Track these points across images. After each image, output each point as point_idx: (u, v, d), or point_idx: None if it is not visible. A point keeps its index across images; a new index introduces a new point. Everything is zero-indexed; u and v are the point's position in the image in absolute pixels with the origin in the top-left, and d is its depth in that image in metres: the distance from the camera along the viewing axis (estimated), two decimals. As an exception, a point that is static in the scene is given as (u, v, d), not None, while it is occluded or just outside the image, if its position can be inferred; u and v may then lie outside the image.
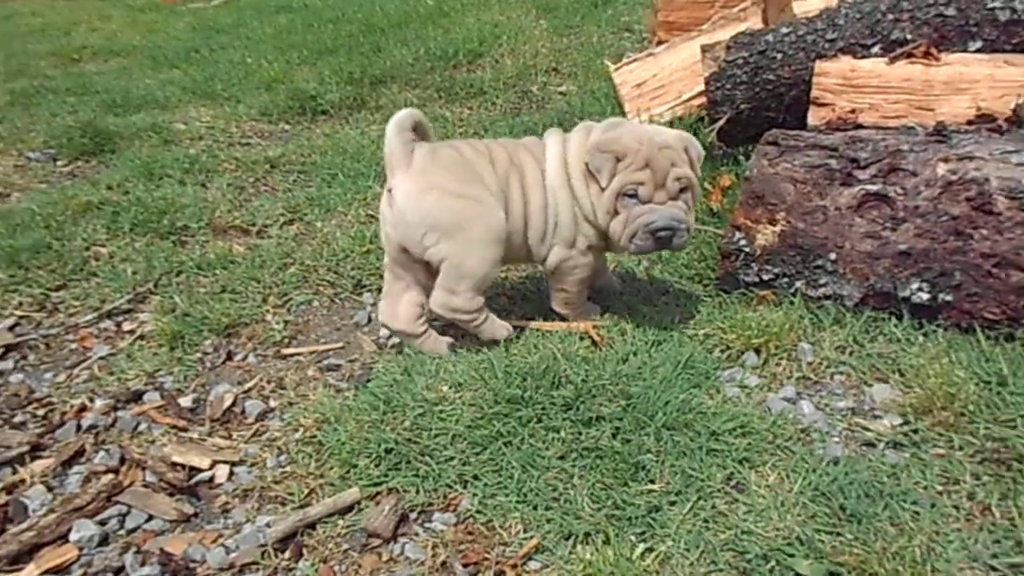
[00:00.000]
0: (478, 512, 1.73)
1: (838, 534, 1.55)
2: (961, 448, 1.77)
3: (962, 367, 1.96)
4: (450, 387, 2.04)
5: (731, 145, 3.16)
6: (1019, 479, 1.65)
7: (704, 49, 3.09)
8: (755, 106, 2.99)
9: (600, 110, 3.75)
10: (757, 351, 2.15)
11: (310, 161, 3.87)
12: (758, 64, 2.94)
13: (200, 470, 1.91)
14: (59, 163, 4.14)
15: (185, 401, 2.16)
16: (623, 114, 3.64)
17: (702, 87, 3.31)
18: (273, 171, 3.81)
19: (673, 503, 1.68)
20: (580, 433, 1.85)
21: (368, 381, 2.17)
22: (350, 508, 1.76)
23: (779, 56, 2.90)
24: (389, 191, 2.09)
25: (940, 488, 1.67)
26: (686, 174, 2.06)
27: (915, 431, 1.84)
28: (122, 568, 1.64)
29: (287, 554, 1.67)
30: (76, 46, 7.03)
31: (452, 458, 1.85)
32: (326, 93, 4.80)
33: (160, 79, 5.81)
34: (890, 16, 2.78)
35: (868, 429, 1.87)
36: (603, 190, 2.08)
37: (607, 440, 1.82)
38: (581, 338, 2.23)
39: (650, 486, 1.72)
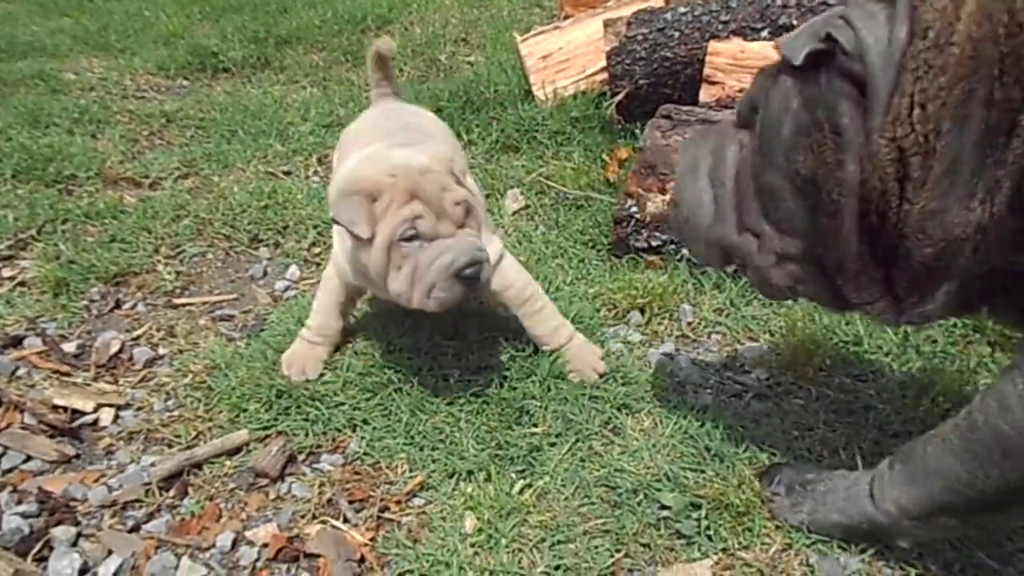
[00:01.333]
0: (366, 454, 1.78)
1: (702, 471, 1.67)
2: (817, 399, 1.92)
3: (824, 328, 2.12)
4: (344, 336, 2.06)
5: (629, 120, 3.27)
6: (864, 425, 1.81)
7: (606, 24, 3.19)
8: (653, 82, 3.11)
9: (506, 81, 3.80)
10: (642, 311, 2.26)
11: (209, 117, 3.77)
12: (656, 41, 3.05)
13: (83, 413, 1.88)
14: (-70, 109, 3.90)
15: (69, 347, 2.12)
16: (528, 86, 3.71)
17: (605, 63, 3.41)
18: (169, 125, 3.70)
19: (553, 444, 1.77)
20: (469, 381, 1.91)
21: (261, 331, 2.17)
22: (238, 449, 1.78)
23: (676, 35, 3.02)
24: None
25: (796, 433, 1.81)
26: (464, 195, 1.70)
27: (778, 384, 1.98)
28: (-5, 504, 1.61)
29: (172, 492, 1.67)
30: (-44, -12, 6.59)
31: (342, 403, 1.89)
32: (228, 51, 4.68)
33: (49, 27, 5.54)
34: (779, 3, 2.94)
35: (737, 382, 2.01)
36: (369, 244, 1.66)
37: (494, 388, 1.89)
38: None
39: (532, 429, 1.80)
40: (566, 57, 3.70)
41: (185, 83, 4.45)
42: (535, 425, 1.81)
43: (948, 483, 1.30)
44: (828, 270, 1.30)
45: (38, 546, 1.52)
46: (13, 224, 2.64)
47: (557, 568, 1.47)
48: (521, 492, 1.63)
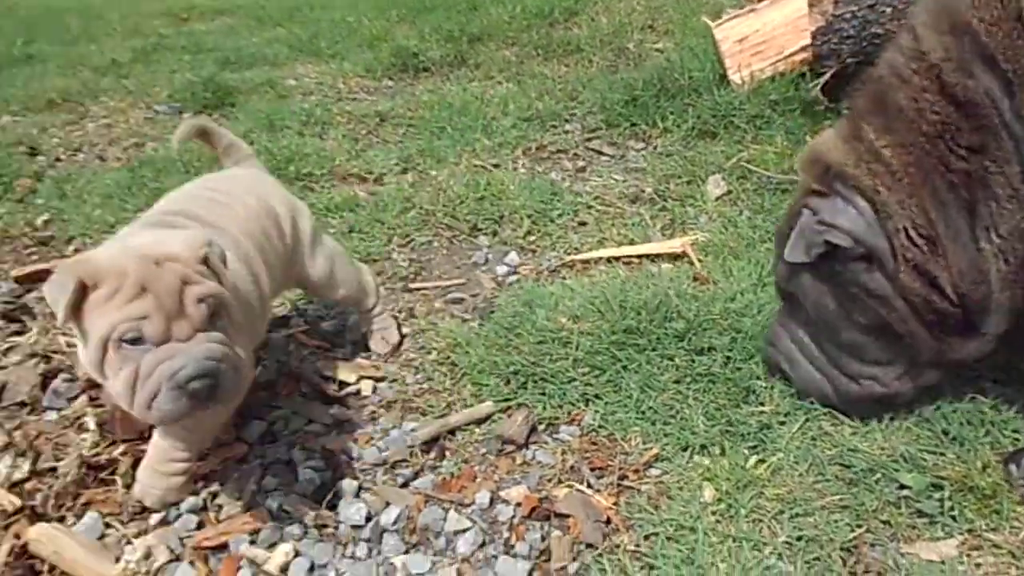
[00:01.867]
0: (600, 427, 1.91)
1: (942, 454, 1.68)
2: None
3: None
4: (568, 319, 2.21)
5: (834, 100, 3.22)
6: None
7: (812, 3, 3.15)
8: (861, 60, 3.04)
9: (700, 67, 3.82)
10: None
11: (417, 115, 4.06)
12: (866, 18, 2.99)
13: (348, 384, 2.14)
14: (185, 116, 4.43)
15: (327, 326, 2.40)
16: (724, 71, 3.72)
17: (805, 42, 3.36)
18: (383, 124, 4.02)
19: (782, 423, 1.83)
20: (693, 360, 2.00)
21: (491, 313, 2.37)
22: (485, 419, 1.97)
23: (888, 10, 2.94)
24: None
25: (1043, 419, 1.77)
26: (211, 291, 1.44)
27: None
28: (290, 460, 1.88)
29: (432, 455, 1.89)
30: (184, 5, 7.40)
31: (574, 380, 2.03)
32: (427, 51, 4.98)
33: (266, 37, 6.10)
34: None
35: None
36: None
37: (719, 368, 1.97)
38: (694, 278, 2.38)
39: (761, 408, 1.87)
40: (763, 39, 3.67)
41: (390, 83, 4.79)
42: (762, 404, 1.88)
43: None
44: (925, 363, 1.72)
45: (328, 496, 1.76)
46: (268, 218, 3.00)
47: (799, 539, 1.54)
48: (755, 466, 1.71)
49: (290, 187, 3.20)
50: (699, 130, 3.48)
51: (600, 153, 3.55)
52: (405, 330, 2.37)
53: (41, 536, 1.65)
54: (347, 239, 2.81)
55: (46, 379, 2.18)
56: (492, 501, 1.75)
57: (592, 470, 1.80)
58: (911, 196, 1.54)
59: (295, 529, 1.69)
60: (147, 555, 1.61)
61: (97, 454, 1.90)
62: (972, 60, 1.41)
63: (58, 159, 3.89)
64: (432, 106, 4.12)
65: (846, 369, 1.79)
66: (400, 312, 2.46)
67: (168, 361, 1.37)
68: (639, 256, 2.61)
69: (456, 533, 1.67)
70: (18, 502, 1.75)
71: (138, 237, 1.58)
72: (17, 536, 1.68)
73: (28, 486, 1.82)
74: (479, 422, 1.96)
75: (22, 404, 2.10)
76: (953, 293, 1.57)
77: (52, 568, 1.62)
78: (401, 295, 2.56)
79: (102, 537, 1.70)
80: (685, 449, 1.80)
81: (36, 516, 1.73)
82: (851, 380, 1.79)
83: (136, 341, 1.38)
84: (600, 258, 2.64)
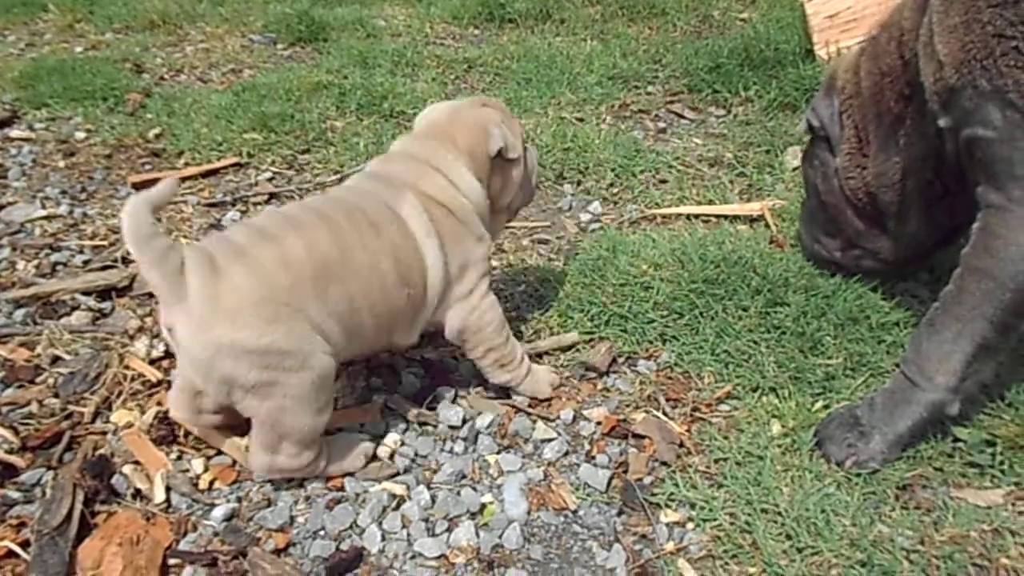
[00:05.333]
0: (676, 364, 2.08)
1: (997, 416, 1.81)
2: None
3: None
4: (649, 266, 2.37)
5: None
6: None
7: (907, -14, 3.20)
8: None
9: (786, 39, 3.89)
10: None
11: (503, 65, 4.19)
12: None
13: (443, 305, 2.32)
14: (279, 46, 4.63)
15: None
16: (810, 46, 3.78)
17: (896, 24, 3.41)
18: (471, 71, 4.16)
19: (848, 375, 1.98)
20: (767, 313, 2.15)
21: (575, 254, 2.53)
22: (570, 347, 2.14)
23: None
24: (169, 329, 1.53)
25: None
26: None
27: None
28: (392, 366, 2.09)
29: (521, 374, 2.07)
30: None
31: (653, 320, 2.19)
32: (514, 2, 5.07)
33: (354, -23, 6.22)
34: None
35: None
36: (522, 164, 1.97)
37: (791, 322, 2.12)
38: (770, 240, 2.51)
39: (827, 361, 2.01)
40: (854, 17, 3.73)
41: (476, 32, 4.91)
42: (830, 357, 2.03)
43: None
44: (857, 243, 2.25)
45: (428, 399, 1.96)
46: (364, 149, 3.18)
47: (857, 475, 1.69)
48: (820, 410, 1.87)
49: (384, 123, 3.39)
50: (781, 102, 3.57)
51: (681, 116, 3.66)
52: (494, 264, 2.54)
53: (181, 405, 1.88)
54: (440, 175, 2.97)
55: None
56: (575, 418, 1.93)
57: (667, 400, 1.97)
58: (863, 107, 2.07)
59: (400, 423, 1.90)
60: (272, 431, 1.82)
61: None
62: (919, 34, 1.78)
63: (162, 78, 4.11)
64: (518, 57, 4.24)
65: (812, 232, 2.36)
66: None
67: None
68: (718, 216, 2.75)
69: (543, 441, 1.86)
70: (159, 375, 1.98)
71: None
72: (159, 403, 1.92)
73: (164, 363, 2.05)
74: (564, 349, 2.14)
75: (150, 295, 2.32)
76: (870, 188, 2.10)
77: (187, 433, 1.85)
78: (490, 231, 2.73)
79: (227, 413, 1.92)
80: (755, 390, 1.96)
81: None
82: (814, 242, 2.35)
83: None
84: (680, 214, 2.78)
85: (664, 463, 1.79)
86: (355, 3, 5.41)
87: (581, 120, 3.51)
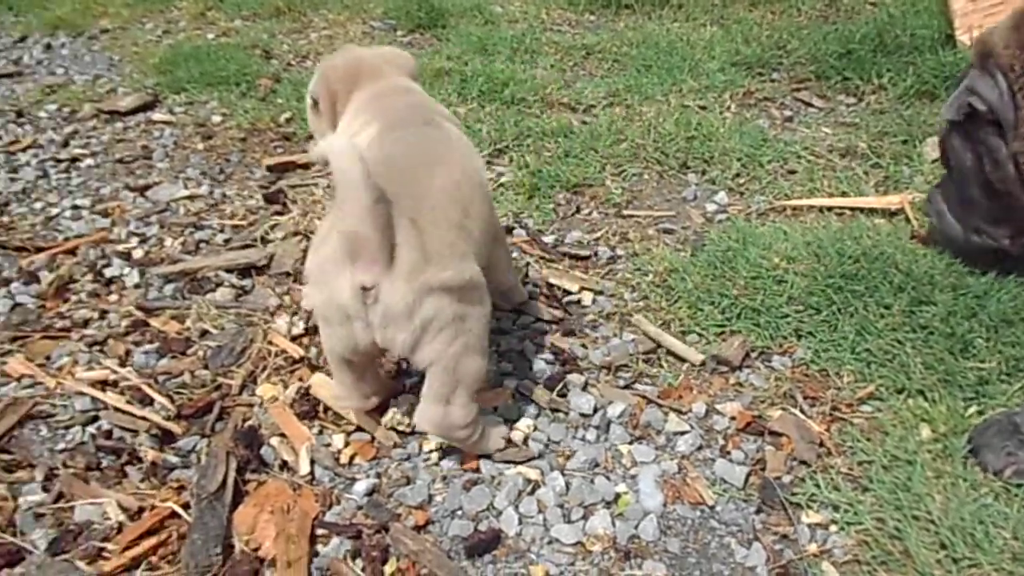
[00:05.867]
0: (812, 361, 2.02)
1: None
2: None
3: None
4: (782, 259, 2.30)
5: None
6: None
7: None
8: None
9: (925, 24, 3.70)
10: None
11: (622, 52, 4.14)
12: None
13: (570, 292, 2.33)
14: (399, 33, 4.71)
15: (547, 239, 2.59)
16: (951, 31, 3.58)
17: (1051, 7, 3.19)
18: (589, 57, 4.13)
19: (1003, 380, 1.87)
20: (912, 312, 2.06)
21: (703, 245, 2.48)
22: (698, 339, 2.11)
23: None
24: (364, 289, 1.51)
25: None
26: None
27: None
28: (523, 351, 2.10)
29: (650, 364, 2.05)
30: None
31: (787, 315, 2.13)
32: (631, -12, 5.01)
33: (469, -36, 6.26)
34: None
35: None
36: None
37: (939, 322, 2.02)
38: (911, 235, 2.41)
39: (980, 364, 1.91)
40: (999, 0, 3.51)
41: (592, 18, 4.87)
42: (982, 360, 1.92)
43: None
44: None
45: (559, 385, 1.97)
46: (488, 135, 3.21)
47: (1018, 486, 1.60)
48: (973, 416, 1.78)
49: (506, 110, 3.41)
50: (918, 90, 3.40)
51: (808, 104, 3.53)
52: (619, 252, 2.53)
53: (322, 383, 1.95)
54: (563, 163, 2.97)
55: (305, 253, 2.49)
56: (708, 412, 1.90)
57: (805, 398, 1.91)
58: None
59: (531, 408, 1.91)
60: (409, 410, 1.87)
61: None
62: None
63: (289, 64, 4.25)
64: (637, 43, 4.18)
65: (970, 222, 2.19)
66: (614, 235, 2.62)
67: None
68: (853, 208, 2.64)
69: (675, 434, 1.84)
70: (301, 352, 2.06)
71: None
72: (301, 380, 1.99)
73: (304, 340, 2.13)
74: (694, 343, 2.11)
75: (287, 274, 2.42)
76: None
77: (326, 409, 1.91)
78: (615, 219, 2.71)
79: (363, 392, 1.97)
80: (900, 392, 1.88)
81: (312, 366, 2.03)
82: (973, 232, 2.19)
83: None
84: (812, 206, 2.69)
85: (804, 462, 1.74)
86: (471, -11, 5.44)
87: (704, 108, 3.44)
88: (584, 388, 1.98)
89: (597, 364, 2.06)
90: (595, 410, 1.90)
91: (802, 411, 1.88)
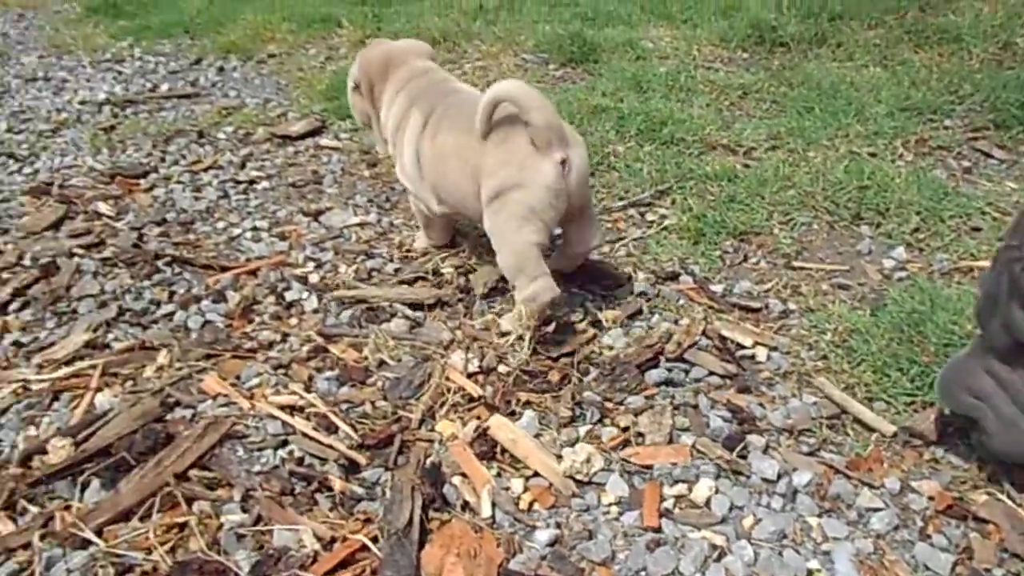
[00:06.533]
0: None
1: None
2: None
3: None
4: (976, 326, 2.16)
5: None
6: None
7: None
8: None
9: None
10: None
11: (780, 92, 4.05)
12: None
13: (743, 347, 2.27)
14: (551, 67, 4.76)
15: (715, 288, 2.54)
16: None
17: None
18: (746, 97, 4.06)
19: None
20: None
21: (884, 305, 2.37)
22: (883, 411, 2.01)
23: None
24: (563, 162, 2.13)
25: None
26: None
27: None
28: (697, 405, 2.06)
29: (834, 431, 1.97)
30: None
31: (986, 389, 2.00)
32: (786, 24, 4.90)
33: (615, -4, 6.29)
34: None
35: None
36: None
37: None
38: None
39: None
40: None
41: (745, 55, 4.79)
42: None
43: None
44: None
45: (739, 446, 1.91)
46: (648, 177, 3.19)
47: None
48: None
49: (665, 150, 3.38)
50: (1115, 146, 3.17)
51: (988, 155, 3.34)
52: (792, 306, 2.45)
53: (501, 425, 1.96)
54: (727, 208, 2.92)
55: (468, 290, 2.54)
56: (902, 489, 1.80)
57: (1012, 483, 1.78)
58: None
59: (710, 467, 1.87)
60: (587, 459, 1.86)
61: (527, 362, 2.19)
62: None
63: (446, 94, 4.35)
64: (796, 84, 4.08)
65: None
66: (785, 287, 2.54)
67: None
68: (1050, 274, 2.47)
69: (868, 510, 1.75)
70: (479, 391, 2.09)
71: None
72: (478, 419, 2.01)
73: (480, 379, 2.15)
74: (882, 411, 2.01)
75: (456, 310, 2.46)
76: None
77: (503, 451, 1.93)
78: (784, 271, 2.63)
79: (537, 435, 1.98)
80: (1124, 485, 1.74)
81: (488, 406, 2.06)
82: None
83: None
84: (1002, 269, 2.52)
85: (1017, 555, 1.62)
86: (622, 24, 5.46)
87: (874, 155, 3.31)
88: (765, 451, 1.91)
89: (778, 426, 1.99)
90: (779, 476, 1.84)
91: (1010, 498, 1.75)
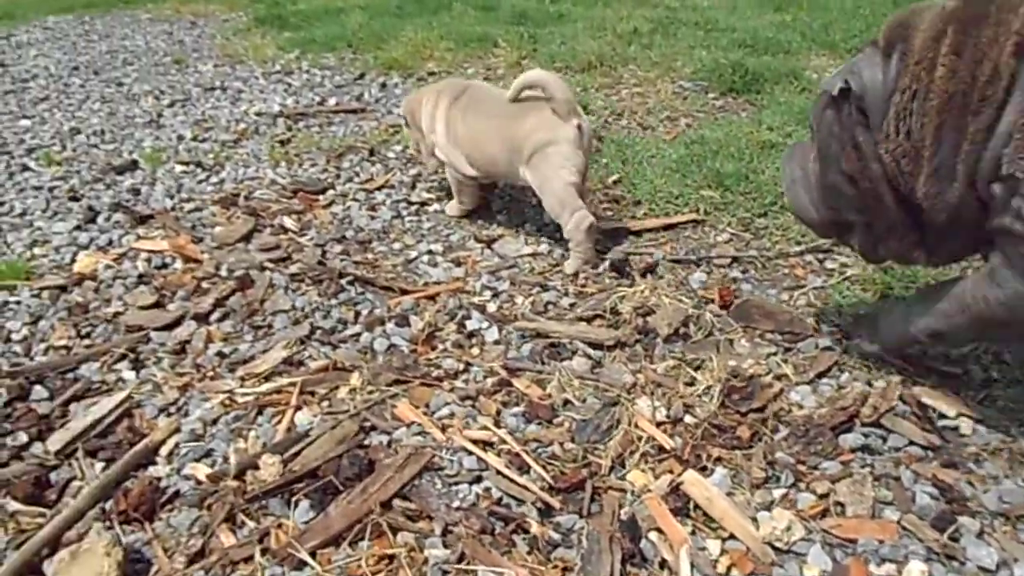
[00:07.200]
0: None
1: None
2: None
3: None
4: None
5: None
6: None
7: None
8: None
9: None
10: None
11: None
12: None
13: (945, 416, 2.16)
14: (710, 95, 4.69)
15: (910, 350, 2.43)
16: None
17: None
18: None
19: None
20: None
21: None
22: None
23: None
24: (579, 127, 2.80)
25: None
26: None
27: None
28: (899, 478, 1.97)
29: (1057, 521, 1.85)
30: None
31: None
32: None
33: (771, 20, 6.15)
34: None
35: None
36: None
37: None
38: None
39: None
40: None
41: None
42: None
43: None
44: (881, 234, 2.02)
45: (950, 529, 1.82)
46: (827, 221, 3.08)
47: None
48: None
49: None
50: None
51: None
52: (995, 374, 2.31)
53: (695, 482, 1.94)
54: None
55: (647, 331, 2.52)
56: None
57: None
58: (930, 92, 1.73)
59: (919, 549, 1.78)
60: (788, 527, 1.81)
61: (716, 415, 2.16)
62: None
63: (606, 121, 4.36)
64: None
65: (823, 207, 2.11)
66: (986, 352, 2.40)
67: None
68: None
69: (1102, 614, 1.64)
70: (670, 443, 2.07)
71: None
72: (671, 472, 2.00)
73: (669, 428, 2.14)
74: (1110, 503, 1.87)
75: (636, 353, 2.44)
76: (918, 189, 1.82)
77: (696, 507, 1.90)
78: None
79: (729, 494, 1.94)
80: None
81: (679, 459, 2.04)
82: (827, 210, 2.11)
83: None
84: None
85: None
86: (780, 52, 5.33)
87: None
88: (980, 535, 1.81)
89: (991, 510, 1.88)
90: (998, 566, 1.74)
91: None
